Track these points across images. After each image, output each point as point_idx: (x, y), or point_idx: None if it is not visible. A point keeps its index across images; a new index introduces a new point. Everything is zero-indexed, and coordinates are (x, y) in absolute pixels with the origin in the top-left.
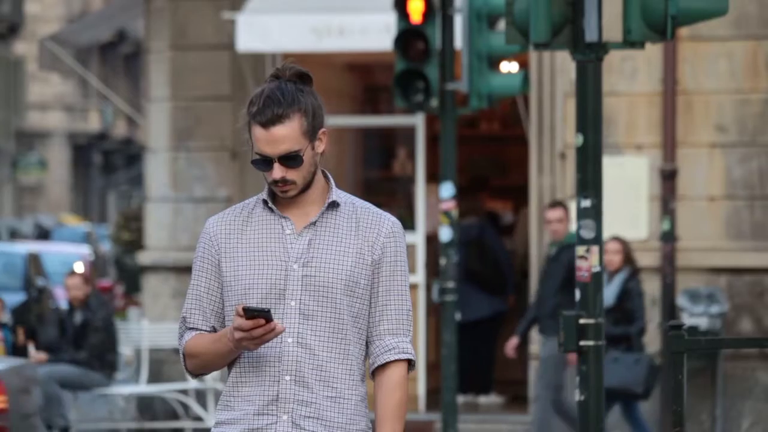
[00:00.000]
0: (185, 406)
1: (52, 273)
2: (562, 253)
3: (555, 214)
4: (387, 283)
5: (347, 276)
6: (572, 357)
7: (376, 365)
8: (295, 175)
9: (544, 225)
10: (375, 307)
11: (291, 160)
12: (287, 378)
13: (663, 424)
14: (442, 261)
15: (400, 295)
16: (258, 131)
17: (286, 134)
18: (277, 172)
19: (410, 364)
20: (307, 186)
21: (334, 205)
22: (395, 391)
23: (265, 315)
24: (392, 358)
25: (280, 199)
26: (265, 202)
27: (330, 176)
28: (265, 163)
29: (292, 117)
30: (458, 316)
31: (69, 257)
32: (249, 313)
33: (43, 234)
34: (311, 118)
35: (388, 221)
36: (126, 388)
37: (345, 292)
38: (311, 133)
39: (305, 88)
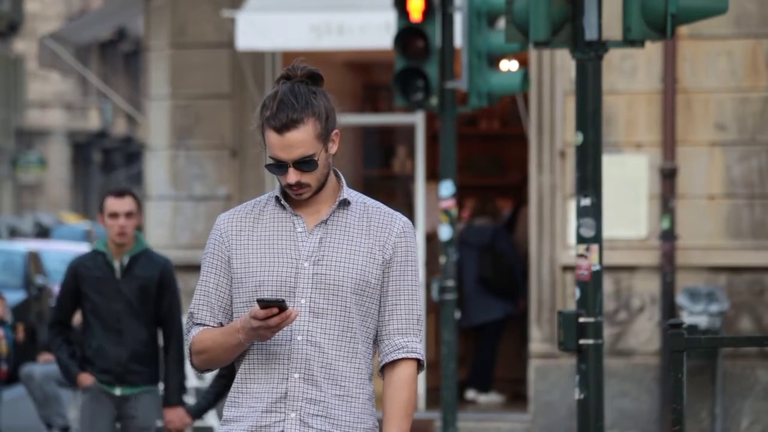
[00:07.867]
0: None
1: (51, 271)
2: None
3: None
4: (397, 283)
5: (357, 275)
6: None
7: (383, 363)
8: (310, 179)
9: (105, 220)
10: (385, 307)
11: (305, 164)
12: (296, 375)
13: (663, 422)
14: (442, 259)
15: (411, 296)
16: (272, 136)
17: (300, 139)
18: (292, 176)
19: (420, 364)
20: (321, 187)
21: (344, 204)
22: (403, 389)
23: (279, 304)
24: (400, 356)
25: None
26: (277, 199)
27: (341, 175)
28: (279, 167)
29: (306, 121)
30: (458, 314)
31: (69, 256)
32: (263, 303)
33: (43, 232)
34: (324, 121)
35: (400, 221)
36: None
37: (355, 291)
38: (325, 136)
39: (317, 90)
